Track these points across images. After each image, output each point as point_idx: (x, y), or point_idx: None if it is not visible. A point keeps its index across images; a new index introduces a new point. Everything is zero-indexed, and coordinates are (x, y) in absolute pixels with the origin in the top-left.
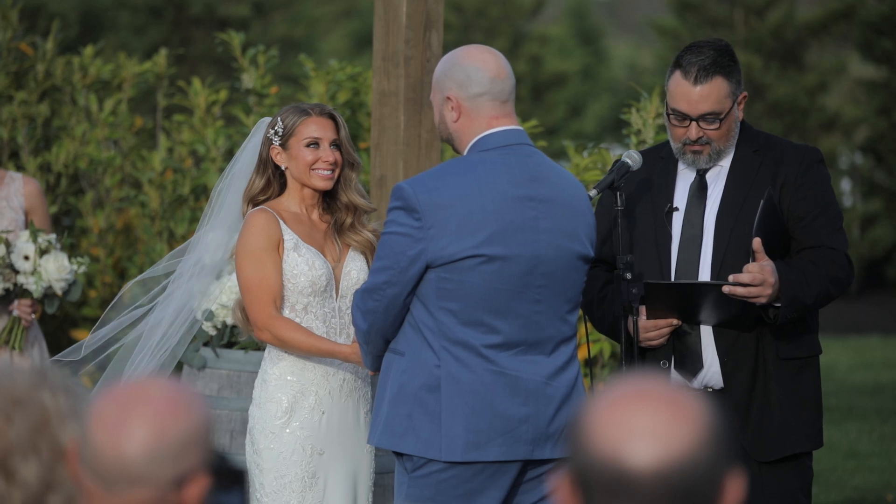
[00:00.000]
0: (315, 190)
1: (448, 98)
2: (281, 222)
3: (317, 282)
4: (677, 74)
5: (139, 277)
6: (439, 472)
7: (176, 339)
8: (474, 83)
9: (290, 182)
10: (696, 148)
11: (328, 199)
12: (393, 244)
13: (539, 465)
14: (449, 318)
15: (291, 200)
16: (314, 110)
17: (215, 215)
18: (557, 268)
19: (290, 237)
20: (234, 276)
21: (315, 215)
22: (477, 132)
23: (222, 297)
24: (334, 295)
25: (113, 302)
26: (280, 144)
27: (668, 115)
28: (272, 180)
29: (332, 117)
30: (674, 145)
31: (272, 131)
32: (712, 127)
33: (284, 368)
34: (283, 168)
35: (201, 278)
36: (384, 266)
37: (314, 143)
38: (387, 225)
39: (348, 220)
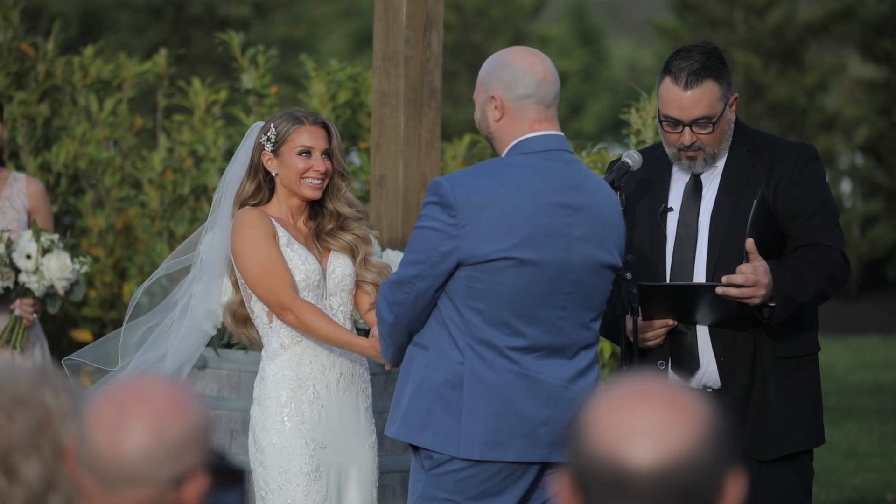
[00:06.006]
0: (303, 199)
1: (493, 97)
2: (272, 219)
3: (311, 276)
4: (667, 80)
5: (146, 284)
6: (458, 472)
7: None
8: (520, 85)
9: (279, 188)
10: (691, 154)
11: (314, 205)
12: (427, 238)
13: (553, 467)
14: (476, 318)
15: (279, 207)
16: (307, 119)
17: (218, 222)
18: (585, 275)
19: (282, 233)
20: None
21: (300, 222)
22: (518, 134)
23: (223, 297)
24: (325, 293)
25: (129, 314)
26: (272, 151)
27: (660, 121)
28: (262, 185)
29: (325, 127)
30: (668, 151)
31: (265, 137)
32: (705, 131)
33: (281, 364)
34: (273, 174)
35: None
36: (416, 259)
37: (306, 152)
38: (421, 219)
39: (329, 226)
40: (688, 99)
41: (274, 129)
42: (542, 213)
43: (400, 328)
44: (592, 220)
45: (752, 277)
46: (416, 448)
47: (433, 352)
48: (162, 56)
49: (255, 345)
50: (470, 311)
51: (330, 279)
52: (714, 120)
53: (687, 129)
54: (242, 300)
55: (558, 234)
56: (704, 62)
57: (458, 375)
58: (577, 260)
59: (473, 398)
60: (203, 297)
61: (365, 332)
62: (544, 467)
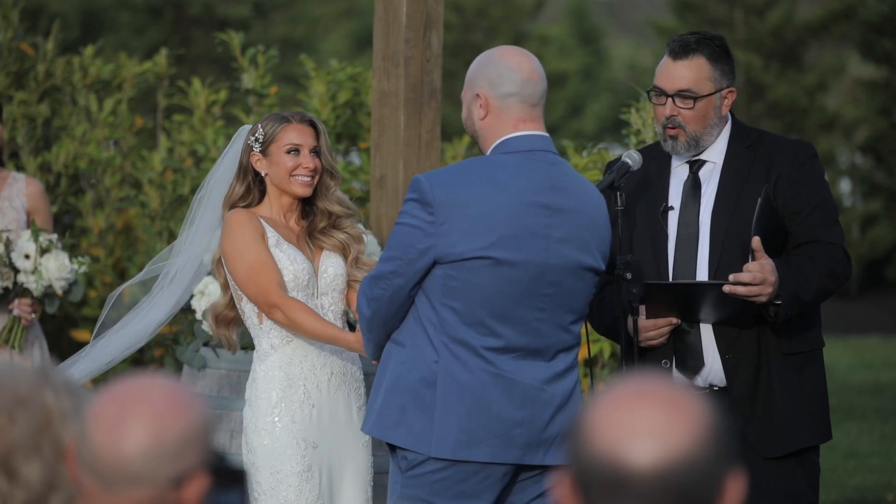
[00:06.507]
0: (294, 196)
1: (477, 95)
2: (261, 220)
3: (299, 275)
4: (665, 55)
5: (117, 290)
6: (433, 473)
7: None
8: (506, 83)
9: (270, 189)
10: (672, 131)
11: (305, 205)
12: (404, 235)
13: (531, 469)
14: (452, 316)
15: (270, 208)
16: (294, 117)
17: (198, 220)
18: (564, 277)
19: (272, 234)
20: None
21: (292, 221)
22: (502, 133)
23: (205, 299)
24: (315, 292)
25: (101, 318)
26: (260, 151)
27: (649, 93)
28: (252, 187)
29: (313, 125)
30: (657, 128)
31: (252, 138)
32: (686, 106)
33: (271, 364)
34: (262, 174)
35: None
36: (393, 256)
37: (294, 150)
38: (400, 216)
39: (321, 224)
40: (675, 69)
41: (261, 130)
42: (522, 213)
43: (377, 324)
44: (574, 222)
45: (759, 276)
46: (392, 448)
47: (409, 349)
48: (162, 56)
49: (232, 348)
50: (446, 310)
51: (321, 278)
52: (697, 97)
53: (669, 100)
54: (228, 303)
55: (537, 234)
56: (701, 40)
57: (433, 374)
58: (556, 261)
59: (447, 397)
60: (170, 296)
61: None
62: (519, 470)
